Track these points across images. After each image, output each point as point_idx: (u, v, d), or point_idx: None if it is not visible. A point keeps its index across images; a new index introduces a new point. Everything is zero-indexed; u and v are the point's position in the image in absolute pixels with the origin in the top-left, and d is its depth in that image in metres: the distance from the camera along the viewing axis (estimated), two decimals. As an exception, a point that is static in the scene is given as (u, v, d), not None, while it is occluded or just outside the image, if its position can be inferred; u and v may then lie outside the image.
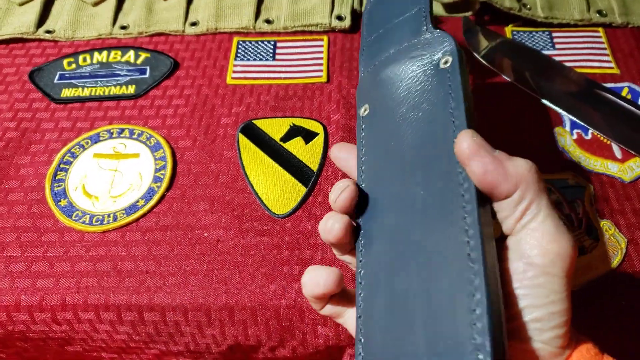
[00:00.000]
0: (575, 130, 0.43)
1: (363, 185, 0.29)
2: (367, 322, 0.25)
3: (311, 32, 0.52)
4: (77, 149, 0.43)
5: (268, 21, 0.52)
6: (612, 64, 0.48)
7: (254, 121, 0.45)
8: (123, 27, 0.52)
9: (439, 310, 0.22)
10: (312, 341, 0.36)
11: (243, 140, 0.43)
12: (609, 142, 0.42)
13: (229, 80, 0.48)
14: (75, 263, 0.37)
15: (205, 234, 0.38)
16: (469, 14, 0.52)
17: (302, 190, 0.40)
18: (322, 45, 0.50)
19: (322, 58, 0.49)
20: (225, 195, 0.40)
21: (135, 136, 0.44)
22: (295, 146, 0.43)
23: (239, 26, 0.52)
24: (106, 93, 0.47)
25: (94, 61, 0.50)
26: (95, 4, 0.54)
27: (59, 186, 0.41)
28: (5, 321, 0.36)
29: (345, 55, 0.50)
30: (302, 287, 0.28)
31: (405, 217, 0.26)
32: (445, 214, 0.24)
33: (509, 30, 0.51)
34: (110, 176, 0.41)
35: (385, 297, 0.25)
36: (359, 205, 0.29)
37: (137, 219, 0.39)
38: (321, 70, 0.48)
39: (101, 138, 0.44)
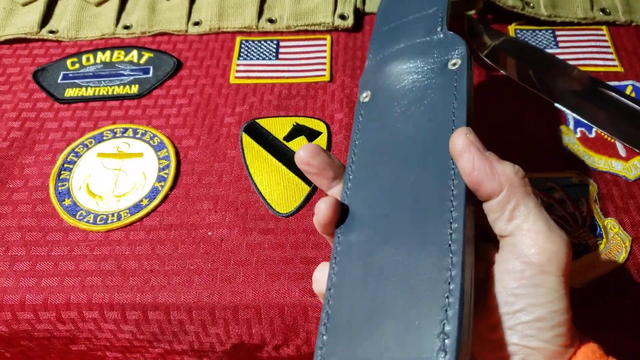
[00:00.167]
0: (579, 129, 0.43)
1: (352, 167, 0.30)
2: (336, 296, 0.26)
3: (314, 32, 0.52)
4: (81, 149, 0.43)
5: (271, 20, 0.52)
6: (616, 62, 0.47)
7: (257, 120, 0.45)
8: (126, 27, 0.52)
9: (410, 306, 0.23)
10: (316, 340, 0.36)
11: (246, 139, 0.43)
12: (613, 141, 0.42)
13: (232, 80, 0.48)
14: (80, 262, 0.37)
15: (209, 233, 0.38)
16: (472, 12, 0.52)
17: (305, 189, 0.40)
18: (325, 45, 0.50)
19: (325, 57, 0.49)
20: (229, 194, 0.40)
21: (138, 136, 0.44)
22: (299, 145, 0.43)
23: (241, 26, 0.52)
24: (109, 93, 0.47)
25: (98, 61, 0.50)
26: (98, 4, 0.54)
27: (63, 185, 0.41)
28: (10, 320, 0.36)
29: (348, 54, 0.50)
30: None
31: (391, 204, 0.27)
32: (432, 205, 0.25)
33: (512, 29, 0.51)
34: (114, 176, 0.42)
35: (358, 271, 0.25)
36: (346, 190, 0.29)
37: (141, 218, 0.39)
38: (324, 70, 0.48)
39: (105, 137, 0.44)
